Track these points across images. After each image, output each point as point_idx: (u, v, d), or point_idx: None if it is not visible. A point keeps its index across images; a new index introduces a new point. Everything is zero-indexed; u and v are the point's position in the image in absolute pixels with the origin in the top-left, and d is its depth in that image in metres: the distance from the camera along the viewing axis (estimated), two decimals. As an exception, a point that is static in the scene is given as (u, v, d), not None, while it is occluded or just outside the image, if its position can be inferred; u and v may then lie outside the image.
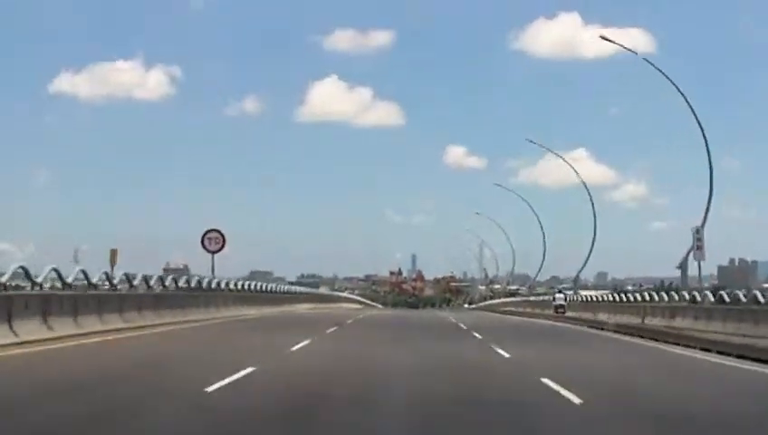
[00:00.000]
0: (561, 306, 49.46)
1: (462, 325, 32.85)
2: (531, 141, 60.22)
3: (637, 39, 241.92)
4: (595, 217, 57.27)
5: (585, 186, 56.94)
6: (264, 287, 47.92)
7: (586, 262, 59.47)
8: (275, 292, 51.03)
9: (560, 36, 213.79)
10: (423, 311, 75.35)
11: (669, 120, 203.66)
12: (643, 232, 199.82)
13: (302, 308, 52.37)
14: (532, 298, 72.33)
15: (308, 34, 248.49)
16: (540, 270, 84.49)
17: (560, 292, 55.46)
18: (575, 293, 58.39)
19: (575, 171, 57.53)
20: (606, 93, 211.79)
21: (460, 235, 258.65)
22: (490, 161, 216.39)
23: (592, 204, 57.13)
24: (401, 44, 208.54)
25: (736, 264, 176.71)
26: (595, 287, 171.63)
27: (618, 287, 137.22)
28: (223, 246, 37.99)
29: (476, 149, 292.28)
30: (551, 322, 41.69)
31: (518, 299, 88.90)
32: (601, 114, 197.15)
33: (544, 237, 74.40)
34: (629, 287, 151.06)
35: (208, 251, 38.06)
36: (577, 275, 65.69)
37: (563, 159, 60.13)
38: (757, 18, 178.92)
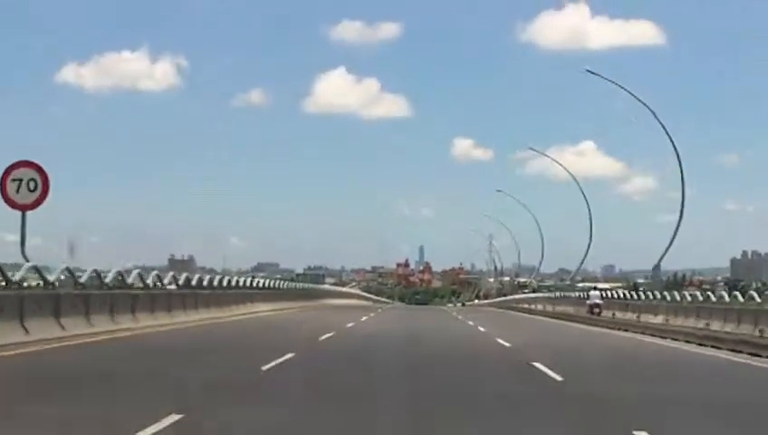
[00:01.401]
0: (597, 305, 40.95)
1: (543, 368, 13.89)
2: (590, 71, 48.04)
3: (645, 31, 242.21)
4: (683, 204, 46.30)
5: (678, 154, 44.60)
6: (177, 282, 28.87)
7: (666, 252, 48.20)
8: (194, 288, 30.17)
9: (568, 28, 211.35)
10: (436, 314, 49.25)
11: (677, 113, 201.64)
12: (651, 224, 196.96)
13: (255, 312, 34.51)
14: (575, 295, 58.25)
15: (315, 26, 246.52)
16: (584, 260, 70.08)
17: (595, 288, 46.37)
18: (656, 288, 50.12)
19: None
20: (613, 85, 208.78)
21: (468, 226, 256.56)
22: (497, 153, 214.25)
23: (683, 198, 45.49)
24: (409, 37, 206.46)
25: (749, 256, 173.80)
26: (605, 280, 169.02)
27: (629, 280, 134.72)
28: (44, 197, 19.14)
29: (483, 142, 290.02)
30: (616, 332, 29.01)
31: (533, 295, 79.30)
32: (609, 106, 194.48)
33: (591, 226, 62.35)
34: (641, 280, 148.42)
35: (14, 206, 19.12)
36: (657, 264, 52.66)
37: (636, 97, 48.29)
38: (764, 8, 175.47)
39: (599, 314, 39.32)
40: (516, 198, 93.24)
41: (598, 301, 41.53)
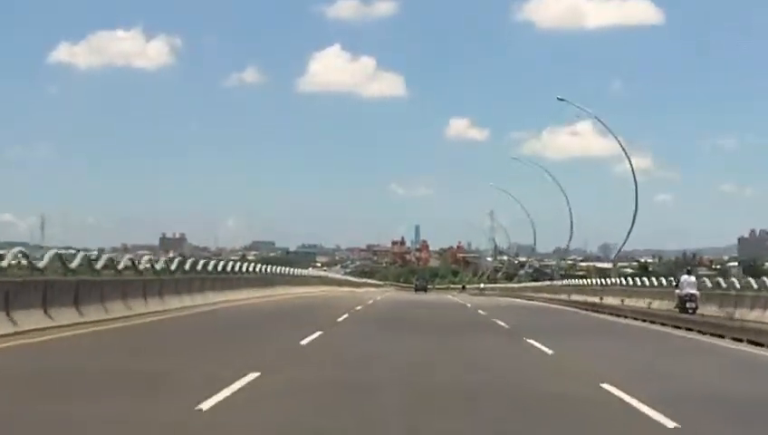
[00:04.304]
0: (692, 298, 27.14)
1: None
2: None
3: (643, 10, 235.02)
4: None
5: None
6: None
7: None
8: None
9: (565, 7, 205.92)
10: (449, 310, 32.13)
11: (674, 92, 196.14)
12: (647, 204, 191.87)
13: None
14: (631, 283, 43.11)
15: (311, 3, 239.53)
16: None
17: (689, 272, 31.34)
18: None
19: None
20: (611, 64, 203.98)
21: (465, 206, 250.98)
22: (493, 133, 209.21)
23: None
24: (405, 15, 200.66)
25: (757, 235, 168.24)
26: (608, 260, 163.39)
27: (638, 260, 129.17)
28: None
29: (480, 122, 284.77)
30: None
31: (594, 283, 52.35)
32: (606, 85, 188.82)
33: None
34: (650, 260, 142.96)
35: None
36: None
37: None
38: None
39: (694, 310, 26.42)
40: (516, 180, 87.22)
41: (692, 291, 27.58)
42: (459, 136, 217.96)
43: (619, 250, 62.11)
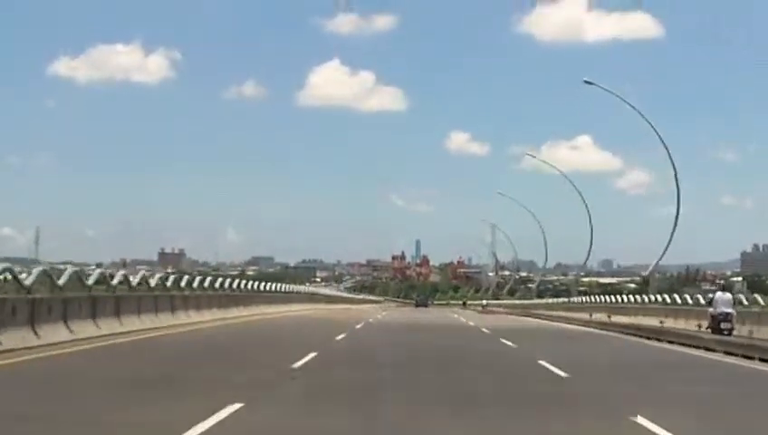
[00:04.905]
0: (728, 317, 23.78)
1: None
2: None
3: (643, 24, 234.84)
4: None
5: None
6: None
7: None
8: None
9: (565, 20, 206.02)
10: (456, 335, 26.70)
11: (674, 105, 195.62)
12: (648, 219, 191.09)
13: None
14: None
15: (310, 18, 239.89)
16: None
17: (723, 289, 26.29)
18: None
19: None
20: (611, 77, 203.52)
21: (465, 221, 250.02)
22: (493, 147, 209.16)
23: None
24: (404, 29, 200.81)
25: (760, 249, 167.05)
26: (612, 275, 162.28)
27: (642, 276, 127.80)
28: None
29: (480, 136, 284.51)
30: None
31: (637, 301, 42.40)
32: (606, 101, 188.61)
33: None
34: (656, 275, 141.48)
35: None
36: None
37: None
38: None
39: (730, 331, 23.32)
40: (516, 194, 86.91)
41: (728, 310, 24.05)
42: (459, 150, 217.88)
43: (655, 265, 56.56)
